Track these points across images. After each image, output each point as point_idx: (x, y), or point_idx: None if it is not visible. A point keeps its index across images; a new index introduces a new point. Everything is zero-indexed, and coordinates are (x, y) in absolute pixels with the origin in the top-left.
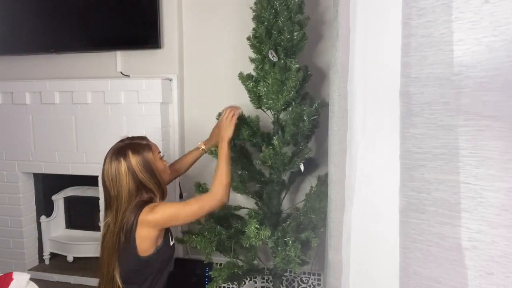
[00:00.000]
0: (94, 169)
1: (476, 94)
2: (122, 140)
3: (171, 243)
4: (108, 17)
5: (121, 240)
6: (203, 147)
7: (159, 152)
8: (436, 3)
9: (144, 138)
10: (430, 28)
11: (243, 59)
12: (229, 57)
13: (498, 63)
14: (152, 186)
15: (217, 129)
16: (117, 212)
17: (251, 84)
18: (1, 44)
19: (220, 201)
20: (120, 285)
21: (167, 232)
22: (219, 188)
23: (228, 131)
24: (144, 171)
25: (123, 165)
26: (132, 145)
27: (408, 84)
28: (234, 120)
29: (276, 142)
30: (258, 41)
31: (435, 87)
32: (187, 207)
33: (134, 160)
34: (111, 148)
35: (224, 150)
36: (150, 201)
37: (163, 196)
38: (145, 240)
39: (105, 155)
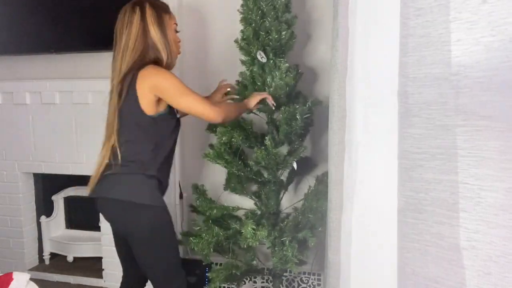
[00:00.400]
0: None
1: (474, 94)
2: None
3: (177, 116)
4: (108, 17)
5: (123, 92)
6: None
7: (176, 25)
8: (433, 3)
9: (168, 5)
10: (428, 28)
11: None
12: (229, 57)
13: (497, 63)
14: (160, 46)
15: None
16: (122, 60)
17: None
18: (1, 44)
19: (212, 117)
20: (122, 141)
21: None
22: (220, 112)
23: (253, 101)
24: (156, 26)
25: (137, 14)
26: (151, 0)
27: (406, 84)
28: (263, 97)
29: (268, 142)
30: (246, 43)
31: (433, 87)
32: (190, 95)
33: (149, 12)
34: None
35: (242, 105)
36: (155, 63)
37: (169, 67)
38: (144, 97)
39: None
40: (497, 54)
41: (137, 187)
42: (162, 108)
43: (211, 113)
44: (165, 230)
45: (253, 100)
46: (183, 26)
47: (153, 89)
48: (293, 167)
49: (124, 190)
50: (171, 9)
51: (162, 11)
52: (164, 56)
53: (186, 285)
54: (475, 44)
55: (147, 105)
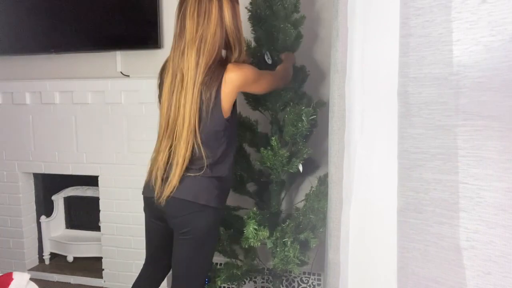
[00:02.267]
0: (94, 169)
1: (474, 94)
2: None
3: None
4: (108, 17)
5: (204, 98)
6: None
7: None
8: (433, 3)
9: None
10: (428, 28)
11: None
12: None
13: (496, 63)
14: (232, 41)
15: None
16: (199, 56)
17: None
18: (1, 44)
19: (283, 83)
20: (200, 144)
21: None
22: (287, 75)
23: (292, 59)
24: (232, 19)
25: (215, 3)
26: None
27: (406, 84)
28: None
29: (275, 143)
30: (256, 42)
31: (433, 87)
32: (268, 75)
33: (226, 3)
34: None
35: (289, 63)
36: (227, 60)
37: (238, 59)
38: (227, 101)
39: (105, 153)
40: (497, 54)
41: (207, 189)
42: (232, 107)
43: (278, 82)
44: (216, 232)
45: (293, 58)
46: None
47: (240, 89)
48: (298, 170)
49: (194, 191)
50: (172, 8)
51: (235, 2)
52: (237, 53)
53: None
54: (475, 44)
55: (227, 109)
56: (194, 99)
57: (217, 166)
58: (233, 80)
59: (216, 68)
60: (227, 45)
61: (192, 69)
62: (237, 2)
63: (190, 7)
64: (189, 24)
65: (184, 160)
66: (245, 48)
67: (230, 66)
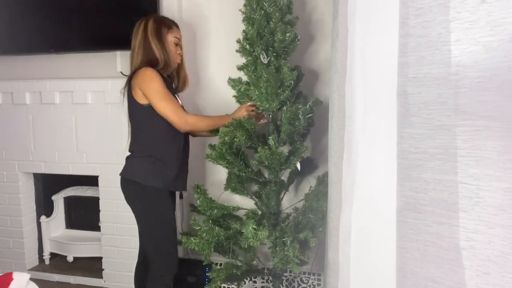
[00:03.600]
0: (94, 169)
1: (473, 94)
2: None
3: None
4: (108, 17)
5: (126, 89)
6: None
7: (179, 39)
8: (433, 3)
9: (175, 23)
10: (427, 28)
11: (242, 60)
12: (229, 58)
13: (496, 63)
14: (158, 55)
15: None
16: (131, 64)
17: (243, 87)
18: (1, 44)
19: (177, 124)
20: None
21: None
22: (187, 122)
23: (239, 113)
24: (154, 36)
25: (142, 25)
26: (158, 17)
27: (406, 84)
28: (251, 112)
29: (272, 142)
30: (249, 43)
31: (432, 87)
32: (165, 101)
33: (150, 25)
34: None
35: (223, 118)
36: (152, 65)
37: (166, 71)
38: (135, 91)
39: (105, 153)
40: (496, 54)
41: (137, 166)
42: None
43: (177, 121)
44: (159, 211)
45: (240, 113)
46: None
47: (140, 88)
48: (296, 168)
49: (128, 170)
50: (172, 8)
51: (163, 26)
52: (160, 61)
53: (171, 281)
54: (474, 44)
55: (140, 97)
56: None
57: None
58: (137, 75)
59: (137, 68)
60: (154, 57)
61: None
62: (166, 27)
63: (133, 31)
64: (132, 41)
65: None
66: (173, 62)
67: (143, 68)
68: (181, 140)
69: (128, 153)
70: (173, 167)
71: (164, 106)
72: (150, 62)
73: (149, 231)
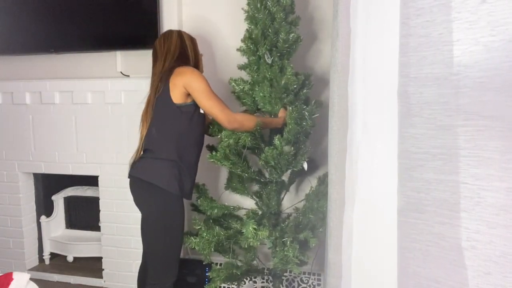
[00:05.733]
0: (94, 169)
1: (475, 94)
2: None
3: (201, 111)
4: (108, 17)
5: (159, 88)
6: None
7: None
8: (434, 3)
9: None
10: (428, 28)
11: (242, 60)
12: (229, 57)
13: (497, 63)
14: (190, 54)
15: None
16: (164, 61)
17: (247, 87)
18: (1, 44)
19: (225, 123)
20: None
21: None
22: (234, 120)
23: (281, 121)
24: (190, 42)
25: (175, 32)
26: (187, 33)
27: (407, 84)
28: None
29: (278, 142)
30: (252, 42)
31: (433, 87)
32: (212, 99)
33: (185, 34)
34: None
35: (272, 120)
36: (186, 64)
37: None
38: (176, 88)
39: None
40: (497, 54)
41: (159, 170)
42: (189, 99)
43: (225, 119)
44: (173, 219)
45: (282, 120)
46: (185, 27)
47: (185, 86)
48: (303, 167)
49: (147, 172)
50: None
51: (192, 37)
52: (191, 61)
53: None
54: (475, 44)
55: (178, 95)
56: (151, 94)
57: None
58: (181, 72)
59: (171, 65)
60: (187, 58)
61: (157, 74)
62: (194, 39)
63: (158, 40)
64: (159, 46)
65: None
66: (200, 66)
67: (184, 66)
68: (200, 148)
69: (133, 155)
70: (191, 174)
71: (212, 105)
72: (186, 64)
73: (159, 237)
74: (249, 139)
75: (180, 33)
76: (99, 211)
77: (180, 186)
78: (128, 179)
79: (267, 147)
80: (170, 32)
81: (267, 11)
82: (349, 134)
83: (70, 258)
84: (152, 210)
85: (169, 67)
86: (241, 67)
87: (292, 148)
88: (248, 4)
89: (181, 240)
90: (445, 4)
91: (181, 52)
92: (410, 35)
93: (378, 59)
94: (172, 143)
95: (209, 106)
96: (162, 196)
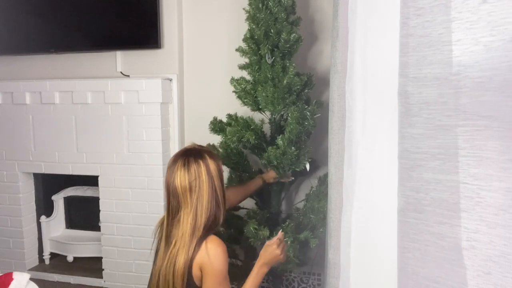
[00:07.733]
0: (94, 169)
1: (474, 94)
2: (189, 147)
3: None
4: (108, 17)
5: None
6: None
7: None
8: (434, 3)
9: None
10: (428, 28)
11: (242, 59)
12: (229, 57)
13: (496, 63)
14: (221, 200)
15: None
16: (194, 223)
17: (249, 86)
18: (1, 44)
19: None
20: None
21: None
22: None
23: (271, 259)
24: (218, 179)
25: (203, 167)
26: (207, 150)
27: (407, 84)
28: (284, 255)
29: (281, 142)
30: (254, 42)
31: (433, 87)
32: (221, 286)
33: (212, 165)
34: (178, 153)
35: (260, 272)
36: (213, 228)
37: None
38: (198, 270)
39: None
40: (497, 54)
41: None
42: None
43: None
44: None
45: (273, 259)
46: (185, 27)
47: (202, 267)
48: (305, 167)
49: None
50: (172, 8)
51: (219, 160)
52: (221, 214)
53: None
54: (475, 44)
55: (199, 278)
56: (181, 258)
57: None
58: (201, 254)
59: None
60: (217, 205)
61: (185, 240)
62: (219, 160)
63: (181, 179)
64: (183, 193)
65: None
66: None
67: (212, 237)
68: None
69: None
70: None
71: None
72: (214, 222)
73: None
74: (253, 137)
75: (207, 167)
76: (99, 211)
77: None
78: None
79: (270, 147)
80: (197, 169)
81: (268, 11)
82: (347, 134)
83: (70, 258)
84: None
85: (198, 232)
86: (242, 67)
87: (294, 148)
88: (250, 4)
89: None
90: (445, 4)
91: (211, 206)
92: (410, 35)
93: (378, 59)
94: None
95: None
96: None
